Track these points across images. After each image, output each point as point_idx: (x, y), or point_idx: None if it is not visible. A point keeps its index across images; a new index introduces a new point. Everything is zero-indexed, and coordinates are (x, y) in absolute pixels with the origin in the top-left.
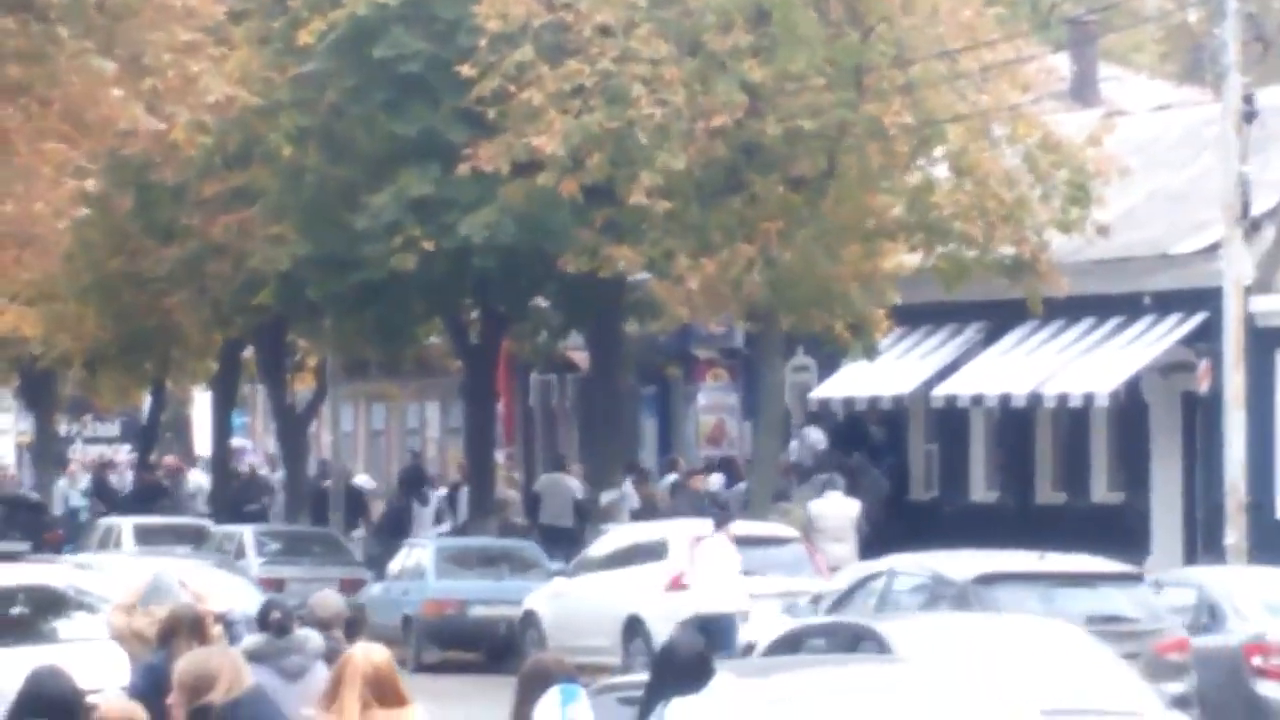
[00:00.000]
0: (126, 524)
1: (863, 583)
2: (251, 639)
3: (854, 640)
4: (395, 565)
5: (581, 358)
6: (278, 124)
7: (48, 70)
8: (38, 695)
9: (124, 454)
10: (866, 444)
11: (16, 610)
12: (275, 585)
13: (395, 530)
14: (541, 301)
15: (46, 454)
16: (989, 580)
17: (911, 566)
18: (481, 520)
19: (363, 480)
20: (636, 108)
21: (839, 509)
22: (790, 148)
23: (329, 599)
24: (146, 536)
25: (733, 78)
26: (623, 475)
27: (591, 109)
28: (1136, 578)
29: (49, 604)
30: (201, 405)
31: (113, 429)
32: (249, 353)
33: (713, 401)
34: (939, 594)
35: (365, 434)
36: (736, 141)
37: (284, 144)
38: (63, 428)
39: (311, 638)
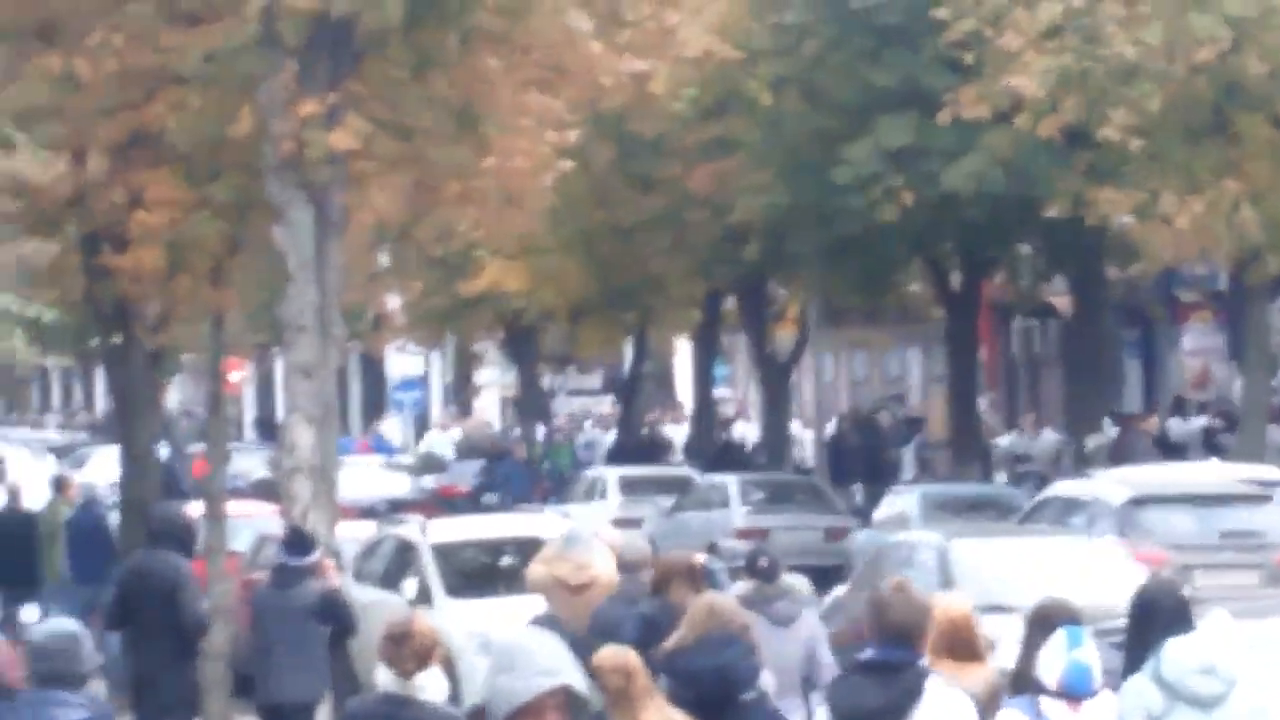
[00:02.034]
0: (611, 475)
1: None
2: (741, 585)
3: None
4: (880, 513)
5: (1064, 302)
6: (756, 73)
7: (526, 22)
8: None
9: (607, 406)
10: None
11: (506, 561)
12: (759, 534)
13: (871, 477)
14: (1023, 247)
15: (530, 407)
16: (1139, 503)
17: (1073, 490)
18: (966, 467)
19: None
20: (1110, 46)
21: None
22: (1275, 84)
23: (635, 544)
24: (631, 487)
25: (1213, 14)
26: (1106, 420)
27: (1066, 49)
28: (1266, 498)
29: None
30: (683, 356)
31: (595, 381)
32: (730, 302)
33: (1197, 344)
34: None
35: (847, 382)
36: (1218, 79)
37: (763, 94)
38: (546, 381)
39: (800, 584)
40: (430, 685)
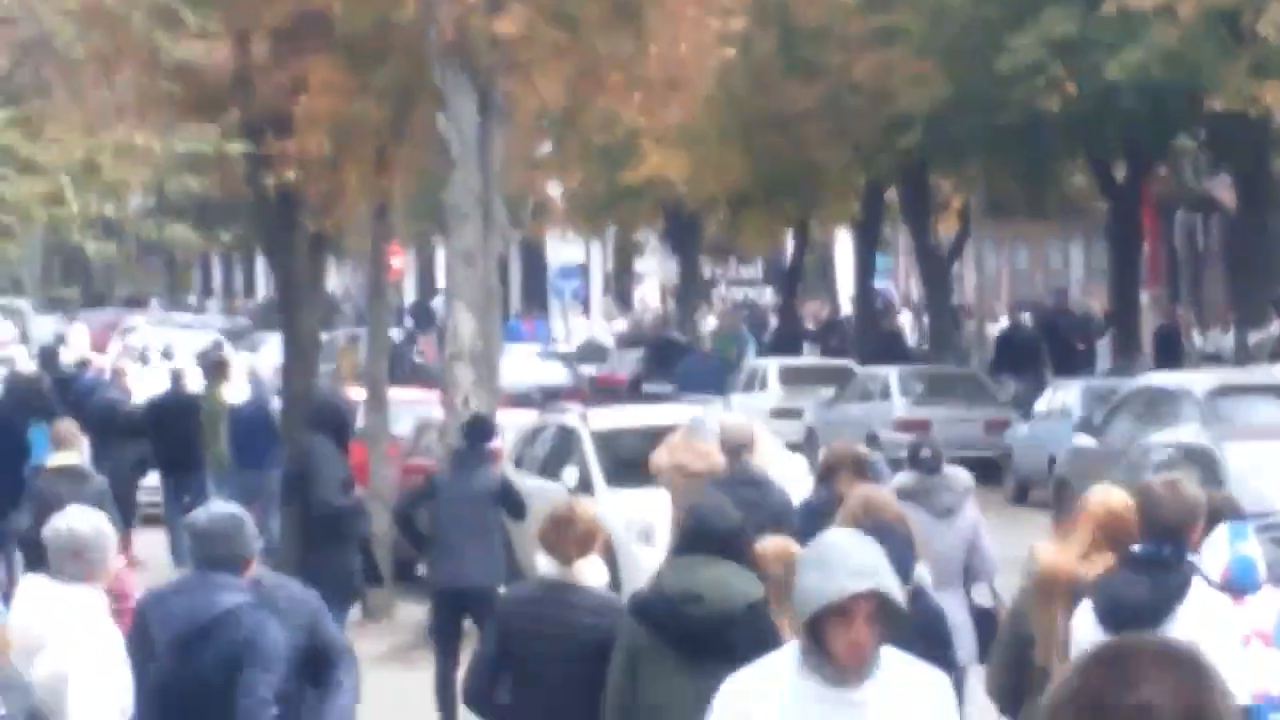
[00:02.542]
0: (772, 365)
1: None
2: (902, 476)
3: None
4: (1041, 405)
5: (1228, 197)
6: None
7: None
8: (703, 530)
9: (768, 296)
10: None
11: None
12: (920, 426)
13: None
14: (1187, 141)
15: (691, 297)
16: (1223, 393)
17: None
18: (1129, 361)
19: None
20: None
21: None
22: None
23: (738, 424)
24: (792, 377)
25: None
26: (1272, 314)
27: None
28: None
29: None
30: (844, 247)
31: (755, 271)
32: (891, 194)
33: None
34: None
35: (1009, 275)
36: None
37: None
38: (707, 270)
39: (961, 476)
40: (590, 572)
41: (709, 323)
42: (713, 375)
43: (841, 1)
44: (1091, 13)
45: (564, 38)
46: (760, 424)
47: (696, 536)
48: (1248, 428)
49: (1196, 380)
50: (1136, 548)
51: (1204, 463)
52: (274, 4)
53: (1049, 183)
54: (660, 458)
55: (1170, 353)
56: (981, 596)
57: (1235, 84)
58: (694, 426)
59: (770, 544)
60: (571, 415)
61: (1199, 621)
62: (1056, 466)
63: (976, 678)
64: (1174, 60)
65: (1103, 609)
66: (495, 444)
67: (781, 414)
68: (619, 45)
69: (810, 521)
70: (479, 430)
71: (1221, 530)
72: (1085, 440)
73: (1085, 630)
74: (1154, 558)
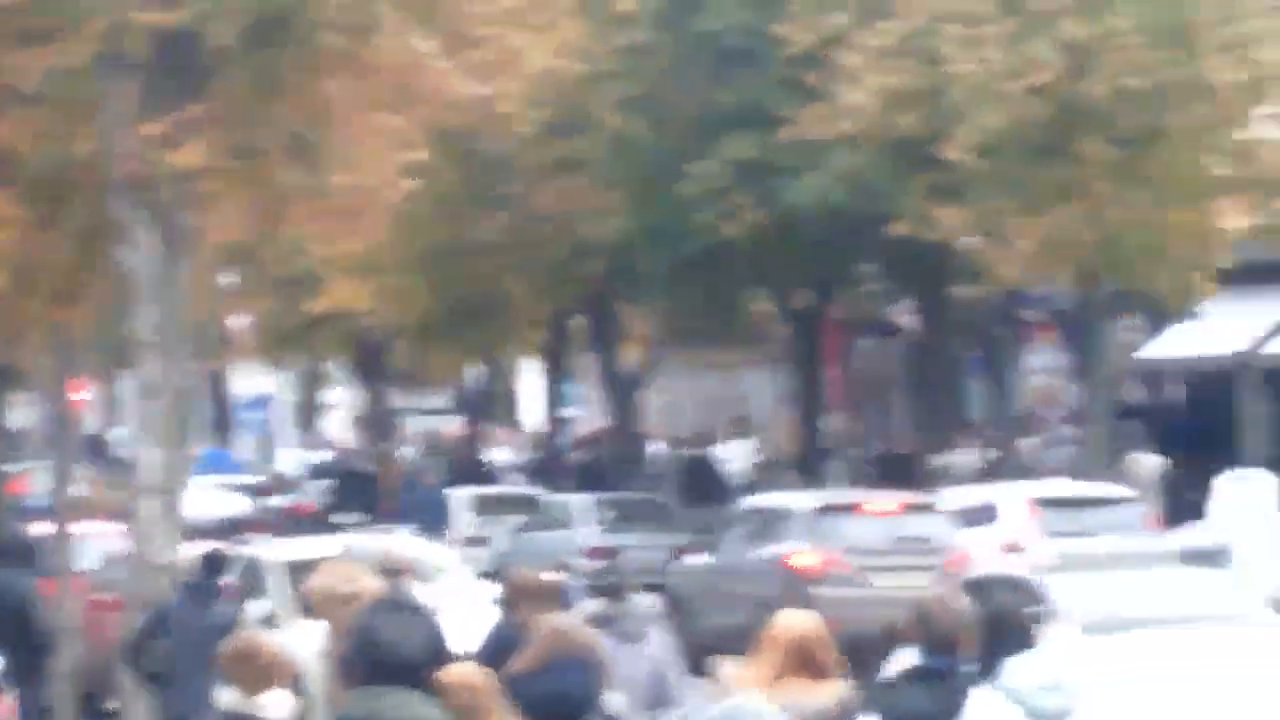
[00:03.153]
0: (462, 495)
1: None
2: (590, 604)
3: None
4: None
5: (909, 322)
6: (601, 94)
7: (371, 43)
8: (384, 657)
9: (456, 426)
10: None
11: None
12: (609, 553)
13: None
14: (867, 266)
15: (379, 427)
16: (824, 512)
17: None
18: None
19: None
20: (951, 66)
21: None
22: (1115, 106)
23: (398, 549)
24: (483, 506)
25: (1051, 37)
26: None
27: (906, 70)
28: (930, 507)
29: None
30: (530, 376)
31: (444, 401)
32: (578, 321)
33: (1042, 363)
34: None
35: (694, 402)
36: (1058, 101)
37: (610, 114)
38: (394, 400)
39: (646, 601)
40: (275, 705)
41: (407, 453)
42: (436, 505)
43: (525, 133)
44: (771, 139)
45: (244, 169)
46: (449, 552)
47: (378, 664)
48: (849, 544)
49: (801, 500)
50: (916, 661)
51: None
52: None
53: (733, 310)
54: (311, 585)
55: (903, 474)
56: None
57: (914, 208)
58: (345, 551)
59: (454, 671)
60: (259, 546)
61: None
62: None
63: None
64: (852, 185)
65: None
66: (228, 578)
67: (472, 542)
68: (301, 178)
69: (494, 649)
70: (213, 564)
71: (906, 653)
72: (698, 559)
73: None
74: (932, 670)
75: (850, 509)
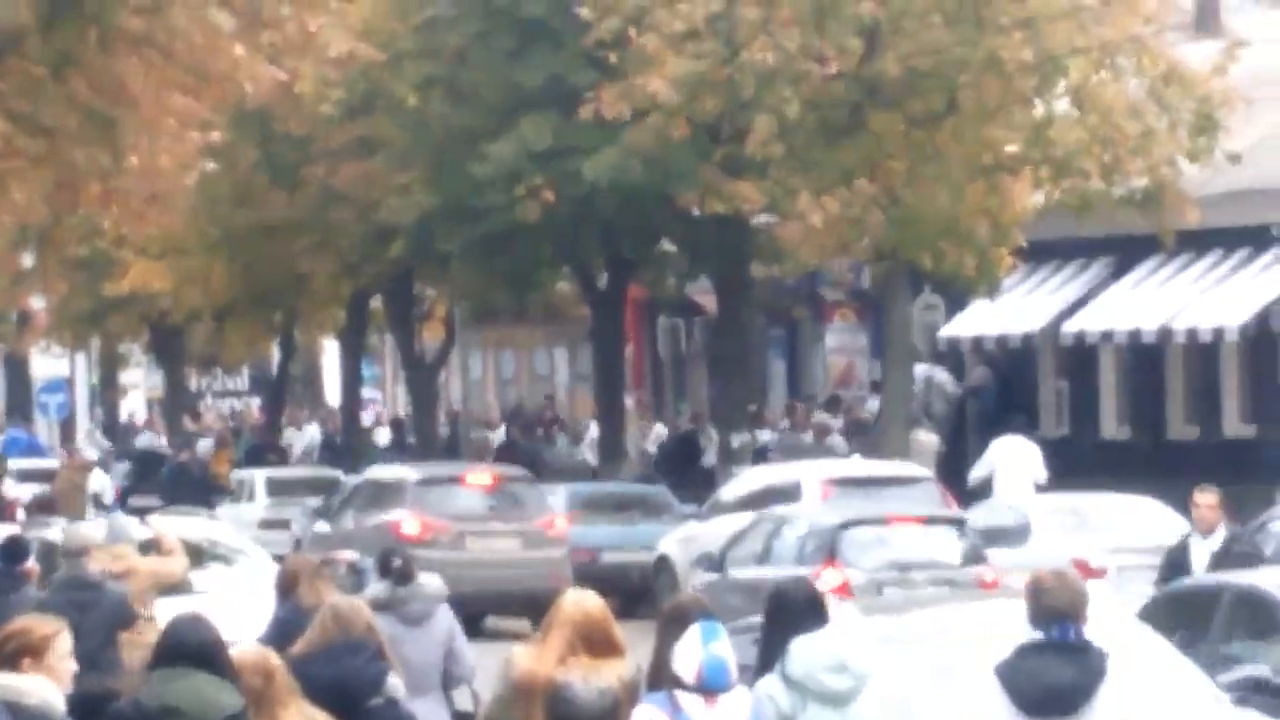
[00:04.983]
0: (259, 476)
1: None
2: (374, 587)
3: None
4: None
5: (709, 301)
6: (401, 74)
7: (166, 23)
8: (179, 642)
9: (254, 408)
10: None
11: None
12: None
13: None
14: (667, 245)
15: (177, 409)
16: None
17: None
18: (613, 465)
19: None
20: (749, 51)
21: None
22: (910, 86)
23: (79, 531)
24: (278, 488)
25: (848, 21)
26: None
27: (705, 54)
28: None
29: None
30: (331, 356)
31: (242, 383)
32: (377, 302)
33: (841, 342)
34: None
35: (495, 381)
36: (855, 82)
37: (408, 94)
38: (193, 382)
39: (432, 582)
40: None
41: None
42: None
43: (323, 113)
44: (569, 120)
45: (40, 149)
46: (239, 533)
47: (174, 648)
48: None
49: (409, 472)
50: (1040, 635)
51: None
52: None
53: (532, 290)
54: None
55: (691, 455)
56: (462, 700)
57: (711, 184)
58: (113, 530)
59: (247, 655)
60: (55, 529)
61: (1119, 703)
62: None
63: None
64: (649, 161)
65: (1025, 695)
66: (30, 564)
67: (269, 525)
68: (96, 158)
69: (278, 633)
70: (14, 551)
71: (694, 630)
72: (323, 526)
73: (997, 714)
74: (1066, 642)
75: (453, 480)
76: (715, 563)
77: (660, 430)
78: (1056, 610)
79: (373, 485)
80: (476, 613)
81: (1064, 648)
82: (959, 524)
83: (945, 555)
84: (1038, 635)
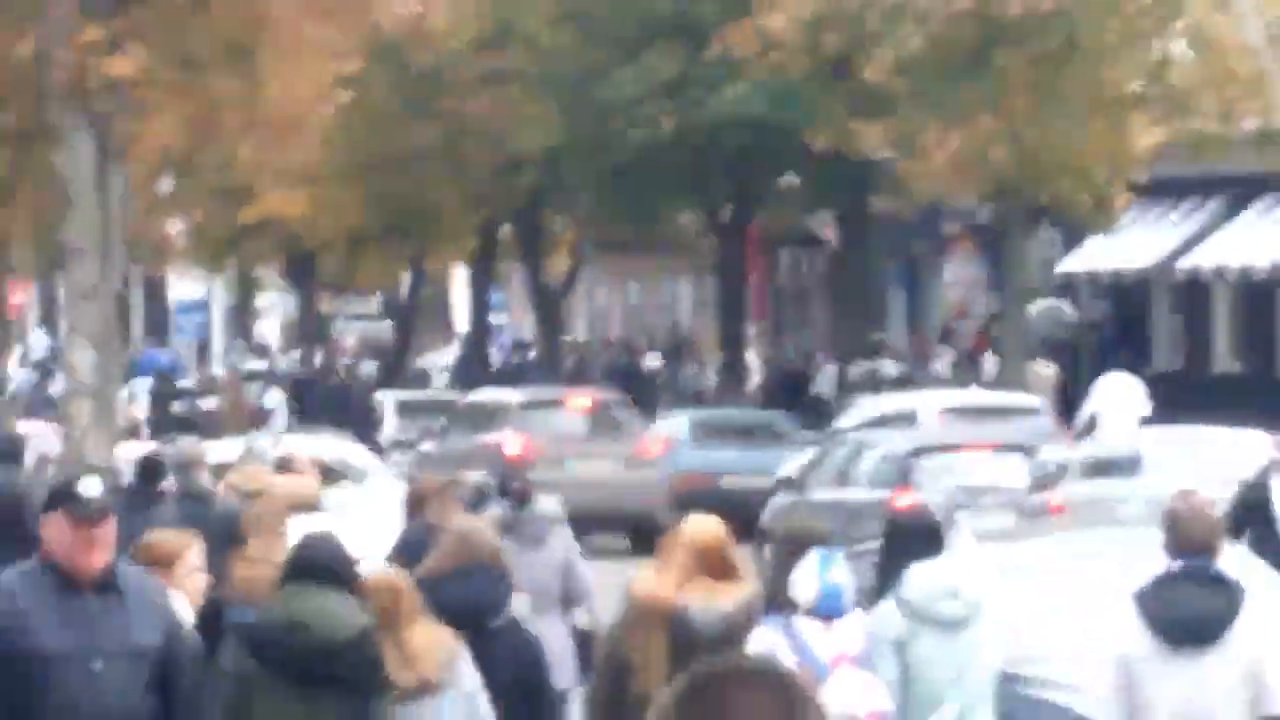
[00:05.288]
0: (389, 398)
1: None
2: (494, 509)
3: None
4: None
5: (830, 233)
6: (532, 6)
7: None
8: (309, 560)
9: (386, 331)
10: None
11: None
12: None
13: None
14: (791, 178)
15: (310, 333)
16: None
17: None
18: (735, 392)
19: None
20: None
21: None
22: (1032, 25)
23: (188, 444)
24: (407, 410)
25: None
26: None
27: None
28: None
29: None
30: (460, 283)
31: (373, 307)
32: (506, 231)
33: (959, 276)
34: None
35: (621, 310)
36: (978, 20)
37: (539, 27)
38: (325, 306)
39: (550, 504)
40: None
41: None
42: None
43: (456, 45)
44: (696, 54)
45: (181, 79)
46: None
47: (303, 566)
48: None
49: (511, 395)
50: (1178, 564)
51: None
52: None
53: (658, 220)
54: (223, 483)
55: (797, 388)
56: (582, 620)
57: (836, 122)
58: (248, 452)
59: (378, 574)
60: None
61: (1257, 631)
62: None
63: (578, 701)
64: (776, 97)
65: (1164, 622)
66: (168, 483)
67: (398, 445)
68: (234, 88)
69: (405, 552)
70: (152, 470)
71: (812, 557)
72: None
73: (1134, 643)
74: (1204, 573)
75: (554, 403)
76: (795, 484)
77: (755, 363)
78: (1194, 541)
79: (478, 407)
80: (576, 533)
81: (1204, 579)
82: (1028, 452)
83: (1013, 481)
84: (1174, 565)
